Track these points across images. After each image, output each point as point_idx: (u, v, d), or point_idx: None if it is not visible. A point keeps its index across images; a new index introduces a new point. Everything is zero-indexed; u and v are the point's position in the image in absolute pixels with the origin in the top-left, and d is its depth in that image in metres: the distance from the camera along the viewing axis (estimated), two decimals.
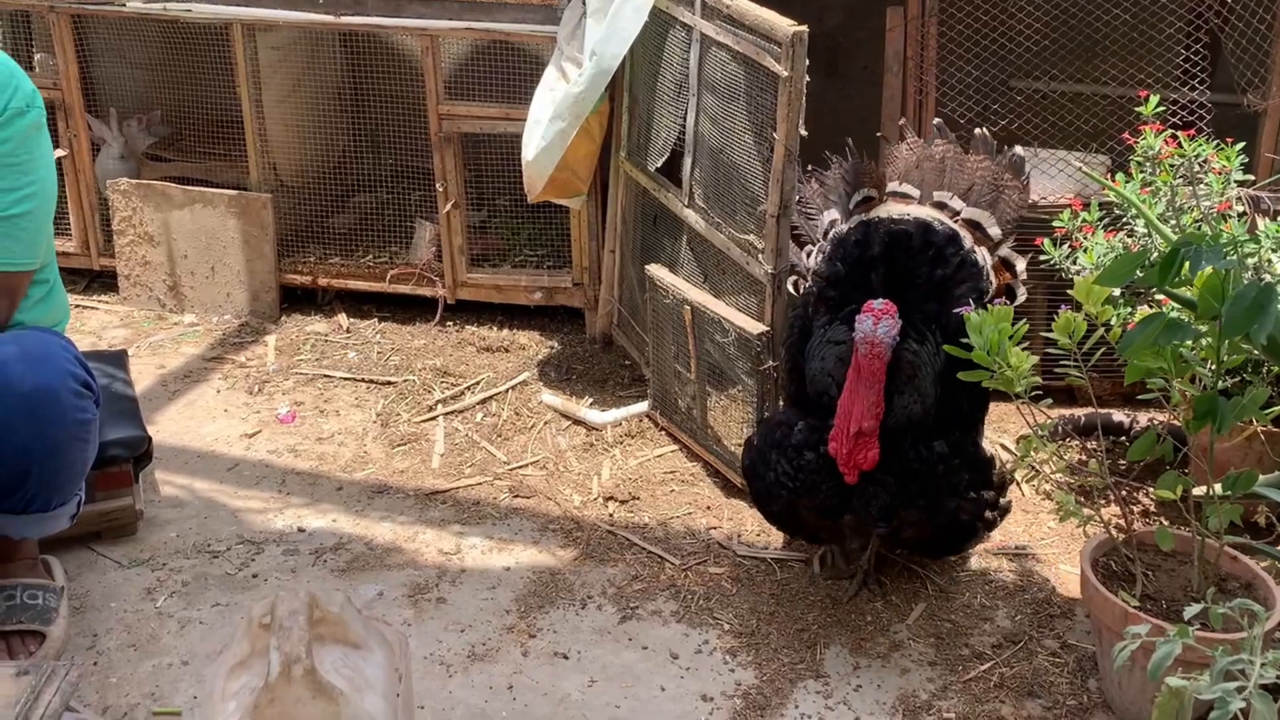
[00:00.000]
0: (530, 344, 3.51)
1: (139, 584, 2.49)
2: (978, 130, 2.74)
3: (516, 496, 2.82)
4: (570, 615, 2.42)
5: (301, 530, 2.68)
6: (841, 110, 3.36)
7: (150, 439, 2.62)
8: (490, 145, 3.54)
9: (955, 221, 2.50)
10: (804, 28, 2.55)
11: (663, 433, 3.07)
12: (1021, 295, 2.62)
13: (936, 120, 2.83)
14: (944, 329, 2.31)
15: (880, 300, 2.19)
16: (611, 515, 2.76)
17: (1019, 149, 2.62)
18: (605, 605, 2.45)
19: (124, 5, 3.49)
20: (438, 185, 3.48)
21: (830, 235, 2.58)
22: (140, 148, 3.83)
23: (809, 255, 2.69)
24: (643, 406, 3.14)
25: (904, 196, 2.59)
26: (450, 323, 3.61)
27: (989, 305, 2.18)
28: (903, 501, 2.24)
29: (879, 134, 2.69)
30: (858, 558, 2.50)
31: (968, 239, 2.46)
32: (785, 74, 2.55)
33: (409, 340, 3.54)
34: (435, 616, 2.42)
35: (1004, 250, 2.59)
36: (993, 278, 2.47)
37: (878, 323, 2.14)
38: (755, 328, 2.68)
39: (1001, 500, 2.35)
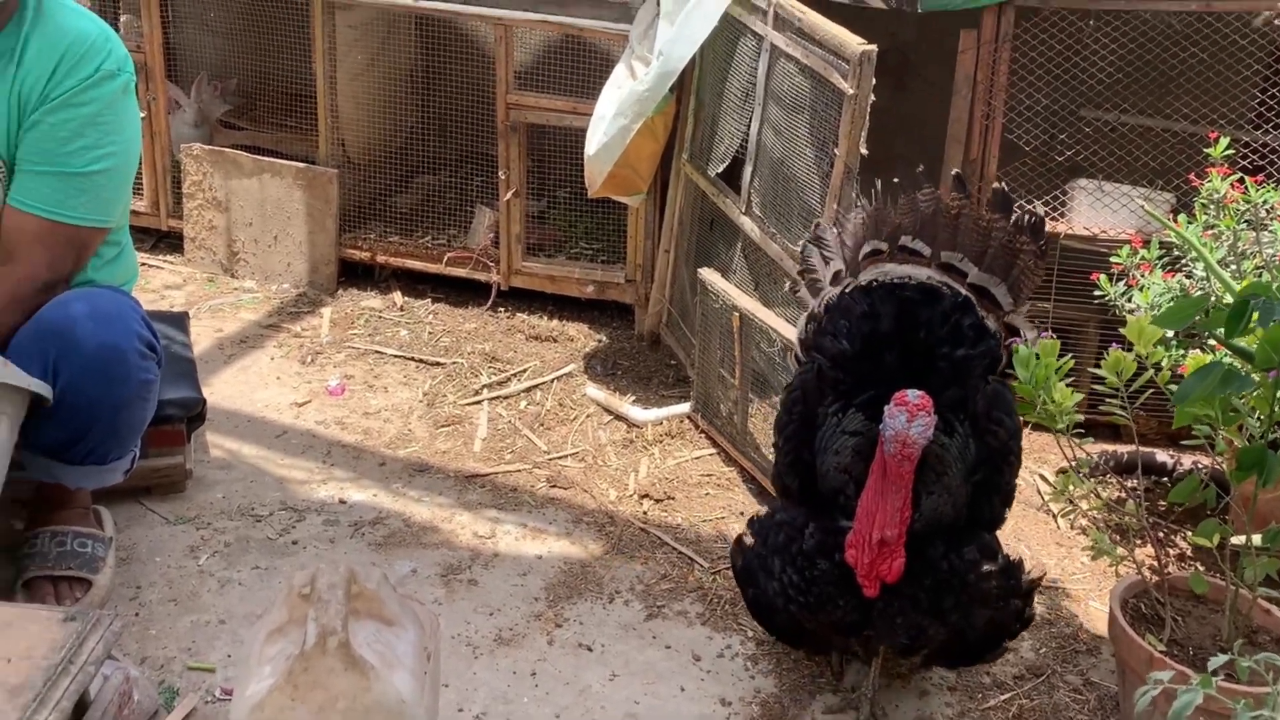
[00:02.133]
0: (578, 336, 3.55)
1: (183, 541, 2.56)
2: (954, 171, 2.47)
3: (554, 486, 2.86)
4: (597, 608, 2.46)
5: (342, 502, 2.75)
6: (907, 126, 3.35)
7: (205, 401, 2.69)
8: (555, 137, 3.58)
9: (962, 286, 2.22)
10: (873, 47, 2.55)
11: (702, 435, 3.10)
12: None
13: (955, 171, 2.54)
14: (971, 417, 2.06)
15: (915, 392, 1.90)
16: (645, 513, 2.79)
17: (1039, 207, 2.37)
18: (632, 601, 2.49)
19: None
20: (500, 173, 3.52)
21: (825, 301, 2.27)
22: (214, 114, 3.93)
23: (801, 322, 2.38)
24: (684, 408, 3.17)
25: (914, 254, 2.26)
26: (502, 309, 3.66)
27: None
28: (932, 616, 1.99)
29: (893, 180, 2.37)
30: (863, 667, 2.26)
31: (977, 307, 2.19)
32: (851, 91, 2.56)
33: (460, 323, 3.59)
34: (466, 598, 2.47)
35: (1013, 318, 2.30)
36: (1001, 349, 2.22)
37: (913, 420, 1.87)
38: None
39: (1027, 611, 2.14)
